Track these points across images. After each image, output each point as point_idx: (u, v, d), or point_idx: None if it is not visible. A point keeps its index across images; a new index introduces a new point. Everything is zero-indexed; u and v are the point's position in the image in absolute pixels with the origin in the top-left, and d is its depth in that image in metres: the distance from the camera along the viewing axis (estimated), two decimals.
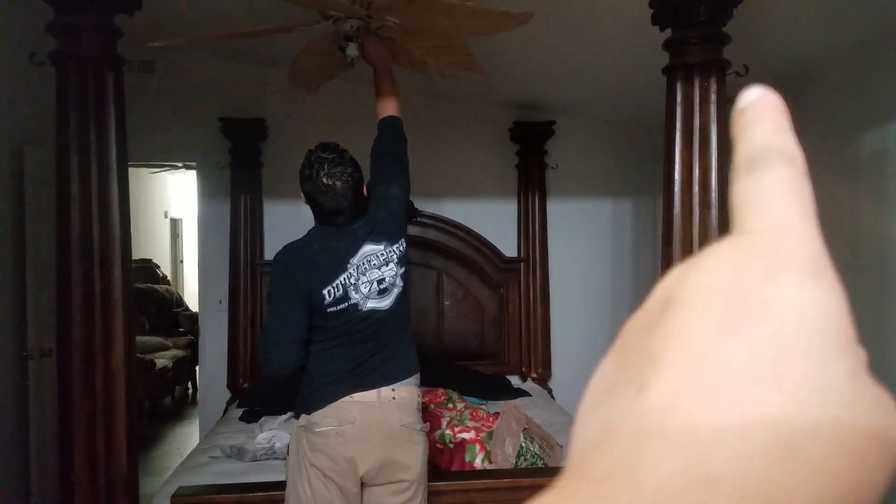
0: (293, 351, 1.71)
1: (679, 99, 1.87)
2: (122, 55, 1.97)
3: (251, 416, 3.07)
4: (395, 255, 1.79)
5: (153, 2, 2.00)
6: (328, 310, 1.71)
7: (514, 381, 3.83)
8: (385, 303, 1.76)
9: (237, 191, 3.78)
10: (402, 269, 1.81)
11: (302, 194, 1.77)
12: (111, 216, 1.88)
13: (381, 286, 1.75)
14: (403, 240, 1.84)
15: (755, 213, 0.23)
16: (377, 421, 1.71)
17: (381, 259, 1.77)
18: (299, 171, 1.74)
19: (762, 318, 0.20)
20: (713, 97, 1.84)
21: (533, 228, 4.01)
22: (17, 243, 2.95)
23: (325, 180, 1.70)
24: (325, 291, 1.70)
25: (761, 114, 0.26)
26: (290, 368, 1.72)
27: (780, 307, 0.20)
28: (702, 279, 0.21)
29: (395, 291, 1.79)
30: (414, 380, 1.82)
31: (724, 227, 1.91)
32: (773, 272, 0.21)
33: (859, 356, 0.21)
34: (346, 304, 1.71)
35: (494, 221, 4.03)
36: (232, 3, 2.48)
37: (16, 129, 2.92)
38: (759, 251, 0.22)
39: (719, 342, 0.20)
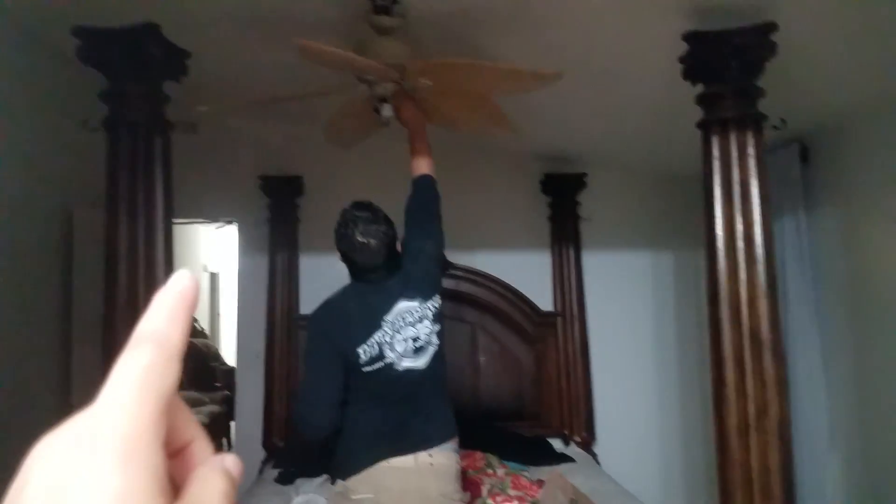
0: (329, 412, 1.69)
1: (716, 153, 1.85)
2: (170, 121, 2.06)
3: (286, 478, 3.01)
4: (429, 312, 1.78)
5: (198, 69, 2.10)
6: (364, 369, 1.69)
7: (556, 444, 3.66)
8: (421, 362, 1.74)
9: (275, 245, 3.84)
10: (438, 327, 1.80)
11: (338, 252, 1.79)
12: (156, 272, 1.92)
13: (417, 344, 1.74)
14: (438, 296, 1.83)
15: (106, 388, 0.27)
16: (415, 488, 1.66)
17: (416, 316, 1.75)
18: (334, 230, 1.77)
19: None
20: (751, 151, 1.81)
21: (568, 281, 3.94)
22: (64, 299, 3.04)
23: (359, 238, 1.72)
24: (360, 350, 1.69)
25: (162, 300, 0.30)
26: (327, 430, 1.70)
27: (86, 495, 0.23)
28: (36, 468, 0.25)
29: (431, 350, 1.76)
30: (452, 444, 1.77)
31: (772, 282, 1.84)
32: (92, 454, 0.24)
33: None
34: (382, 363, 1.70)
35: (528, 274, 3.97)
36: (272, 68, 2.59)
37: (66, 190, 3.05)
38: (89, 431, 0.25)
39: None
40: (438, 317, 1.80)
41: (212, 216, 4.45)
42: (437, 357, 1.78)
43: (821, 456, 2.99)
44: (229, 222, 4.43)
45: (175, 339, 0.29)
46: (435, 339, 1.78)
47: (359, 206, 1.78)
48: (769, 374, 1.82)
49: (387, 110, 1.96)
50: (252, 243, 3.96)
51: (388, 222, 1.79)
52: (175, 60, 2.02)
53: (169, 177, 2.00)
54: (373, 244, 1.72)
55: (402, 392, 1.72)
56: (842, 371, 2.98)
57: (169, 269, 1.96)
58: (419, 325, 1.75)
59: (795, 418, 1.97)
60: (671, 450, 4.02)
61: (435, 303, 1.80)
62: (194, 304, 0.31)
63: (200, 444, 0.31)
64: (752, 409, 1.82)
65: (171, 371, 0.28)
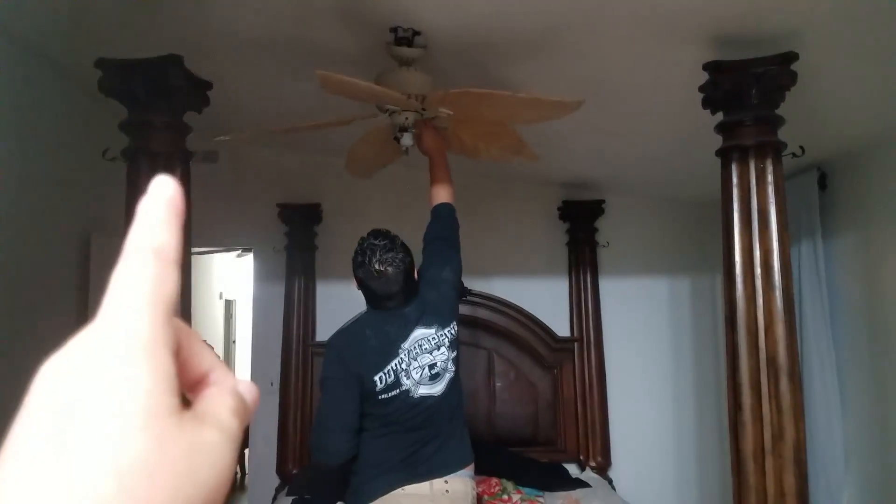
0: (346, 438, 1.69)
1: (735, 180, 1.85)
2: (190, 150, 2.08)
3: None
4: (446, 339, 1.78)
5: (220, 98, 2.14)
6: (380, 396, 1.69)
7: (572, 469, 3.65)
8: (437, 388, 1.74)
9: (292, 272, 3.86)
10: (454, 354, 1.80)
11: (355, 280, 1.80)
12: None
13: (433, 371, 1.73)
14: (455, 322, 1.83)
15: (108, 299, 0.26)
16: None
17: (433, 343, 1.76)
18: (352, 259, 1.78)
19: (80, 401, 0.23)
20: (770, 178, 1.81)
21: (586, 307, 3.93)
22: (78, 326, 3.06)
23: (377, 266, 1.73)
24: (376, 378, 1.69)
25: (149, 209, 0.30)
26: (343, 457, 1.70)
27: (110, 401, 0.23)
28: (44, 388, 0.24)
29: (448, 377, 1.76)
30: (468, 471, 1.76)
31: (789, 308, 1.83)
32: (112, 359, 0.24)
33: (170, 418, 0.24)
34: (398, 390, 1.70)
35: (545, 300, 3.97)
36: (293, 98, 2.63)
37: (84, 218, 3.10)
38: (102, 340, 0.25)
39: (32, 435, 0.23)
40: (455, 344, 1.80)
41: (230, 244, 4.48)
42: (454, 383, 1.78)
43: (836, 480, 2.95)
44: (247, 250, 4.46)
45: (171, 245, 0.28)
46: (451, 366, 1.77)
47: (376, 234, 1.80)
48: (786, 400, 1.81)
49: (407, 139, 1.98)
50: (269, 270, 3.98)
51: (406, 250, 1.80)
52: (197, 91, 2.05)
53: (188, 206, 2.02)
54: (390, 272, 1.74)
55: (418, 419, 1.71)
56: (857, 396, 2.94)
57: (186, 299, 1.97)
58: (436, 353, 1.75)
59: (811, 442, 1.95)
60: (687, 475, 3.99)
61: (452, 330, 1.81)
62: (182, 211, 0.30)
63: (218, 372, 0.31)
64: (768, 433, 1.81)
65: (172, 278, 0.27)
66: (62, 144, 2.85)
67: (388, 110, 1.91)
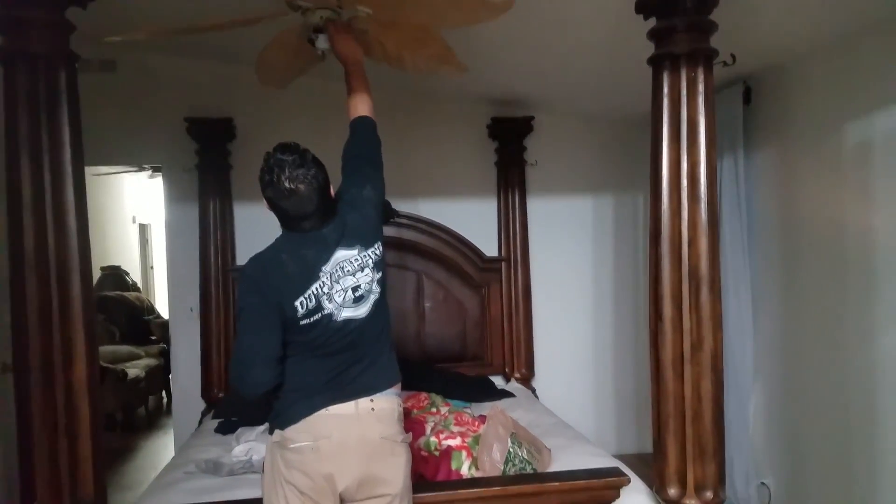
0: (267, 370, 1.61)
1: (666, 90, 1.81)
2: (76, 52, 1.85)
3: (227, 428, 2.95)
4: (370, 260, 1.69)
5: None
6: (301, 322, 1.61)
7: (498, 382, 3.77)
8: (361, 311, 1.66)
9: (205, 194, 3.64)
10: (379, 275, 1.72)
11: (265, 200, 1.66)
12: (67, 224, 1.76)
13: (357, 294, 1.65)
14: (379, 243, 1.74)
15: None
16: (356, 435, 1.61)
17: (356, 265, 1.66)
18: (259, 177, 1.63)
19: None
20: (701, 87, 1.79)
21: (513, 227, 3.94)
22: None
23: (286, 184, 1.59)
24: (297, 303, 1.60)
25: None
26: (266, 388, 1.62)
27: None
28: None
29: (372, 298, 1.69)
30: (395, 390, 1.73)
31: (713, 221, 1.85)
32: None
33: None
34: (320, 314, 1.61)
35: (474, 221, 3.95)
36: None
37: None
38: None
39: None
40: (380, 265, 1.72)
41: (136, 162, 4.18)
42: (379, 305, 1.71)
43: (745, 388, 3.16)
44: (156, 169, 4.17)
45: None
46: (376, 288, 1.70)
47: (284, 148, 1.63)
48: (706, 310, 1.87)
49: (322, 41, 1.82)
50: (181, 192, 3.75)
51: (319, 165, 1.65)
52: None
53: (77, 117, 1.81)
54: (302, 190, 1.60)
55: (342, 342, 1.65)
56: (769, 309, 3.11)
57: (82, 220, 1.80)
58: (359, 275, 1.66)
59: (724, 351, 2.08)
60: (604, 384, 4.22)
61: (376, 251, 1.72)
62: None
63: None
64: (687, 343, 1.88)
65: None
66: None
67: (300, 7, 1.72)
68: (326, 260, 1.63)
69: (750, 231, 3.13)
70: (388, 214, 3.67)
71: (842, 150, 2.65)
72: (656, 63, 1.86)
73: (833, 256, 2.70)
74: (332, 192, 1.71)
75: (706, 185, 1.83)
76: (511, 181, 3.93)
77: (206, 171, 3.64)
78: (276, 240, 1.70)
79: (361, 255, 1.67)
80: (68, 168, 1.76)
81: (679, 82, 1.80)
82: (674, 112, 1.81)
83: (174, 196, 3.79)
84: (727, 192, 3.11)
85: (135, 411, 5.58)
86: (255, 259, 1.68)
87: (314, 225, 1.65)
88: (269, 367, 1.61)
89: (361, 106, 1.89)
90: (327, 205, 1.67)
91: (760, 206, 3.14)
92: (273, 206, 1.65)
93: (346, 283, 1.64)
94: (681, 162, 1.82)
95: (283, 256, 1.64)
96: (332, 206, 1.70)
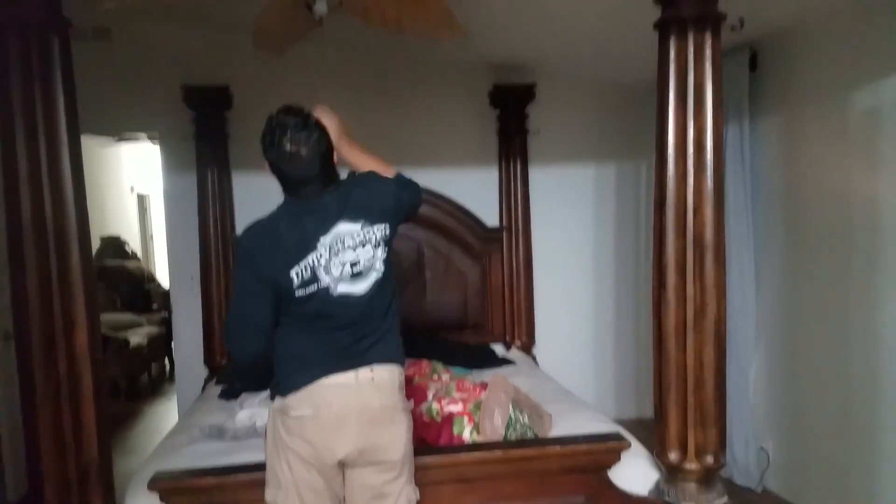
0: (256, 339, 1.64)
1: (672, 55, 1.77)
2: (69, 20, 1.80)
3: (230, 394, 2.97)
4: (373, 237, 1.65)
5: None
6: (297, 293, 1.59)
7: (498, 349, 3.79)
8: (359, 287, 1.63)
9: (203, 163, 3.61)
10: (384, 254, 1.67)
11: (266, 164, 1.64)
12: (64, 193, 1.74)
13: (355, 269, 1.62)
14: (387, 225, 1.68)
15: None
16: (356, 404, 1.62)
17: (357, 240, 1.63)
18: (261, 139, 1.61)
19: None
20: (708, 52, 1.75)
21: (515, 196, 3.91)
22: None
23: (288, 147, 1.56)
24: (292, 273, 1.58)
25: None
26: (256, 357, 1.65)
27: None
28: None
29: (374, 276, 1.65)
30: (396, 364, 1.72)
31: (719, 188, 1.83)
32: None
33: None
34: (316, 286, 1.60)
35: (475, 190, 3.92)
36: None
37: None
38: None
39: None
40: (384, 244, 1.67)
41: (132, 132, 4.12)
42: (382, 284, 1.67)
43: (746, 355, 3.18)
44: (153, 139, 4.13)
45: None
46: (379, 266, 1.66)
47: (287, 110, 1.60)
48: (710, 278, 1.86)
49: (321, 6, 1.76)
50: (178, 161, 3.72)
51: (321, 129, 1.62)
52: None
53: (71, 85, 1.77)
54: (304, 153, 1.57)
55: (341, 318, 1.63)
56: (771, 277, 3.11)
57: (80, 189, 1.78)
58: (360, 250, 1.63)
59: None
60: (604, 352, 4.25)
61: (383, 230, 1.67)
62: None
63: None
64: (690, 311, 1.87)
65: None
66: None
67: None
68: (326, 231, 1.61)
69: (754, 198, 3.11)
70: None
71: (849, 117, 2.61)
72: (663, 27, 1.81)
73: (838, 224, 2.68)
74: (335, 158, 1.68)
75: (712, 152, 1.80)
76: (512, 150, 3.89)
77: (204, 140, 3.60)
78: (277, 207, 1.68)
79: (365, 230, 1.64)
80: (64, 137, 1.73)
81: (686, 47, 1.76)
82: (680, 77, 1.77)
83: (172, 165, 3.76)
84: (732, 159, 3.08)
85: (137, 378, 5.63)
86: (251, 228, 1.66)
87: (314, 191, 1.62)
88: (259, 336, 1.64)
89: (382, 170, 1.78)
90: (328, 171, 1.64)
91: (765, 174, 3.11)
92: (274, 170, 1.63)
93: (346, 257, 1.62)
94: (687, 128, 1.79)
95: (280, 225, 1.63)
96: (334, 174, 1.67)
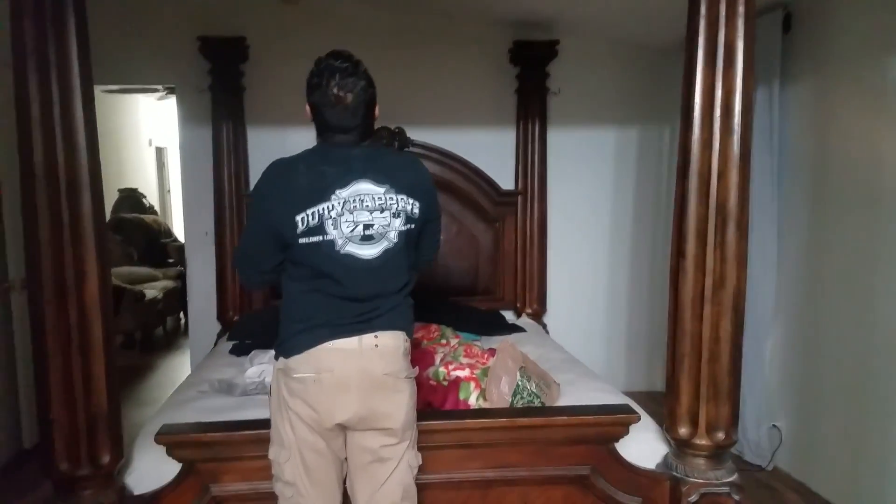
0: (261, 275, 1.73)
1: (703, 10, 1.67)
2: None
3: (241, 350, 3.00)
4: (394, 206, 1.60)
5: None
6: (300, 240, 1.56)
7: (509, 316, 3.76)
8: (367, 252, 1.59)
9: (219, 117, 3.57)
10: (403, 228, 1.62)
11: (307, 107, 1.60)
12: (76, 141, 1.71)
13: (367, 232, 1.59)
14: (417, 203, 1.63)
15: None
16: (357, 370, 1.59)
17: (377, 203, 1.58)
18: (307, 80, 1.57)
19: None
20: (741, 9, 1.65)
21: (532, 159, 3.82)
22: None
23: (335, 91, 1.53)
24: (297, 218, 1.55)
25: None
26: (261, 286, 1.93)
27: None
28: None
29: (385, 245, 1.61)
30: (402, 331, 1.70)
31: (745, 154, 1.76)
32: None
33: None
34: (321, 237, 1.56)
35: (491, 152, 3.83)
36: None
37: None
38: None
39: None
40: (406, 218, 1.62)
41: (147, 81, 4.09)
42: (395, 254, 1.62)
43: (763, 327, 3.11)
44: (169, 90, 4.09)
45: None
46: (393, 236, 1.61)
47: (337, 55, 1.56)
48: (731, 248, 1.80)
49: None
50: (194, 113, 3.68)
51: (369, 79, 1.58)
52: None
53: (84, 29, 1.73)
54: (350, 100, 1.53)
55: (347, 284, 1.60)
56: (793, 248, 3.03)
57: (92, 137, 1.75)
58: (376, 214, 1.58)
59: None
60: (616, 320, 4.19)
61: (407, 204, 1.61)
62: None
63: None
64: (709, 281, 1.81)
65: None
66: None
67: None
68: (345, 185, 1.57)
69: (780, 165, 3.00)
70: (402, 143, 3.58)
71: (885, 83, 2.49)
72: None
73: (867, 195, 2.59)
74: (378, 112, 1.65)
75: (741, 116, 1.72)
76: (531, 110, 3.78)
77: (220, 92, 3.56)
78: (305, 151, 1.65)
79: (388, 196, 1.59)
80: (76, 82, 1.69)
81: (718, 3, 1.67)
82: (710, 34, 1.68)
83: (188, 118, 3.72)
84: (759, 124, 2.95)
85: (153, 331, 5.71)
86: (271, 169, 1.64)
87: (348, 140, 1.59)
88: (260, 274, 1.72)
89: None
90: (368, 124, 1.61)
91: (794, 141, 3.00)
92: (315, 114, 1.59)
93: (360, 217, 1.58)
94: (715, 89, 1.70)
95: (300, 166, 1.60)
96: (372, 129, 1.64)
